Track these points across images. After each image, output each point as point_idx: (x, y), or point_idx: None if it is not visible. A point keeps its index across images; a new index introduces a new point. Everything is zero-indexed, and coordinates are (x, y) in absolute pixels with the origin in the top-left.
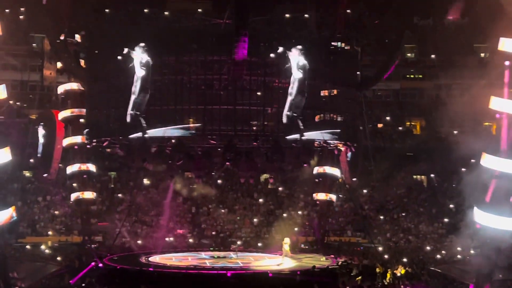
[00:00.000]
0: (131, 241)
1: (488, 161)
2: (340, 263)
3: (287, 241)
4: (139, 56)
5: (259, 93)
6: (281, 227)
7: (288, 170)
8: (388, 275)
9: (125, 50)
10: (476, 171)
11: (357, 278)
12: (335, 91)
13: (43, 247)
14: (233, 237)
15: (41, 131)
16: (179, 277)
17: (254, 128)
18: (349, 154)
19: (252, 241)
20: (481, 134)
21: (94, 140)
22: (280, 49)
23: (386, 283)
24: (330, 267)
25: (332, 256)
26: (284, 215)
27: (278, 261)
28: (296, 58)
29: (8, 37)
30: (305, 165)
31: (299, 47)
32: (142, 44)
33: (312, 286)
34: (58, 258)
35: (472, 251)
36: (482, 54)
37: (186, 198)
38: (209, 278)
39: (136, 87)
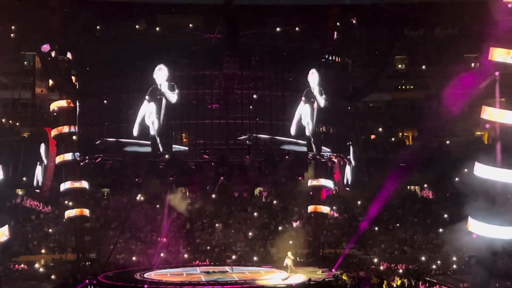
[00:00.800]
0: (126, 258)
1: (481, 170)
2: (335, 275)
3: (290, 255)
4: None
5: (251, 107)
6: (280, 241)
7: (281, 183)
8: (384, 286)
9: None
10: (469, 180)
11: None
12: (327, 103)
13: (36, 265)
14: (228, 251)
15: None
16: None
17: (247, 141)
18: (348, 167)
19: (247, 255)
20: (474, 144)
21: (87, 157)
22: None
23: None
24: (326, 279)
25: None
26: (280, 228)
27: (283, 276)
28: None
29: None
30: (299, 178)
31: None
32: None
33: None
34: (52, 277)
35: (467, 261)
36: (473, 64)
37: (180, 213)
38: None
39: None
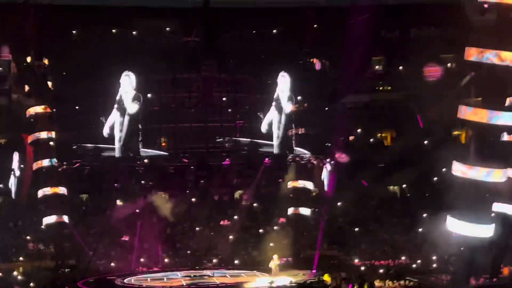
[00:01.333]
0: (105, 263)
1: (458, 169)
2: (317, 276)
3: (275, 258)
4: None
5: (229, 110)
6: (261, 244)
7: (261, 186)
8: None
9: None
10: (448, 179)
11: None
12: (305, 105)
13: (15, 273)
14: (208, 255)
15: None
16: None
17: (226, 145)
18: (327, 167)
19: (228, 259)
20: (451, 143)
21: (65, 163)
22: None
23: None
24: (308, 281)
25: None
26: (261, 231)
27: (268, 280)
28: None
29: None
30: (279, 180)
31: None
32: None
33: None
34: (31, 284)
35: (447, 259)
36: (449, 64)
37: (160, 217)
38: None
39: (123, 125)
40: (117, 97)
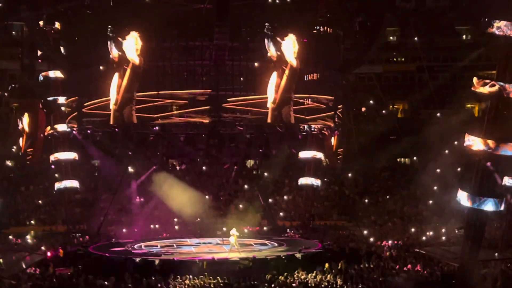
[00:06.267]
0: (116, 229)
1: (470, 141)
2: (325, 246)
3: (234, 232)
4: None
5: (241, 78)
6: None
7: (272, 155)
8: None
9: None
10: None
11: (340, 262)
12: (318, 75)
13: (27, 237)
14: (218, 223)
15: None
16: (164, 264)
17: (238, 113)
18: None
19: (237, 227)
20: (464, 115)
21: (77, 128)
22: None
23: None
24: (316, 251)
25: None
26: (270, 200)
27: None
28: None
29: None
30: (290, 150)
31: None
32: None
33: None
34: (43, 248)
35: (456, 232)
36: (464, 36)
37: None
38: (194, 264)
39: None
40: (116, 55)
